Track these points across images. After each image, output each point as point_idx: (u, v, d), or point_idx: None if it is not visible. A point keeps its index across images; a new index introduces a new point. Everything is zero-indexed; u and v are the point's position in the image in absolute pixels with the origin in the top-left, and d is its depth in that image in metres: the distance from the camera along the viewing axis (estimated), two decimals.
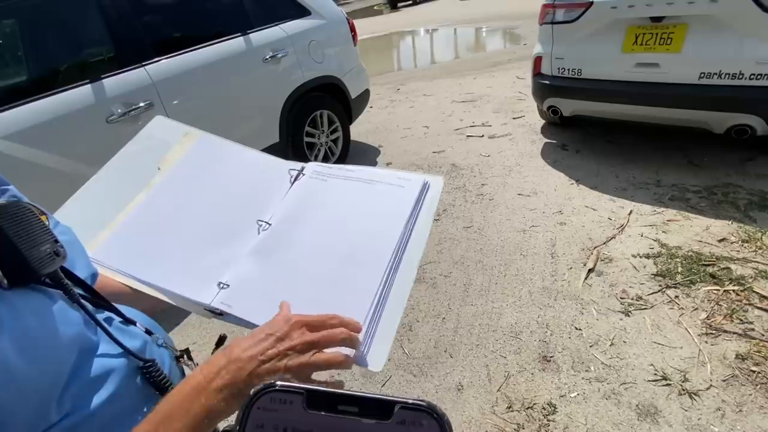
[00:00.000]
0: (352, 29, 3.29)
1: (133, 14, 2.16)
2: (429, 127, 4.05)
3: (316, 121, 3.11)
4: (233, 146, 0.76)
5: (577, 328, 1.67)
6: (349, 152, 3.50)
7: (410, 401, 0.29)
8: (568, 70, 2.69)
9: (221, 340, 0.52)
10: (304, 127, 2.97)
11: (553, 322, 1.71)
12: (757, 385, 1.36)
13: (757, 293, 1.66)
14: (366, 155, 3.64)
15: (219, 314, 0.56)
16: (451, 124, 4.03)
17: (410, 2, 20.11)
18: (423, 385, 1.56)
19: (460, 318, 1.82)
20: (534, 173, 2.88)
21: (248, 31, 2.60)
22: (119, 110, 1.99)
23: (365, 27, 13.88)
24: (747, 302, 1.64)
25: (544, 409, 1.39)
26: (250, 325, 0.55)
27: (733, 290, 1.69)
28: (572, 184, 2.67)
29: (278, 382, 0.31)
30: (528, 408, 1.40)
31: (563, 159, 3.00)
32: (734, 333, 1.53)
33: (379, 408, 0.29)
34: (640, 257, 1.96)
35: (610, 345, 1.58)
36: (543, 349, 1.61)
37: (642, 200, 2.38)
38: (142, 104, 2.05)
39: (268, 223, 0.64)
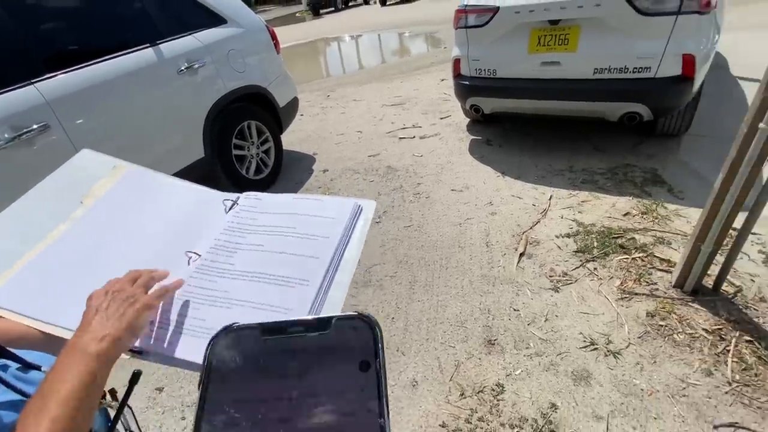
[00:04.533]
0: (274, 37, 3.22)
1: (18, 26, 1.91)
2: (362, 131, 4.09)
3: (244, 132, 2.99)
4: (165, 179, 0.75)
5: (515, 310, 1.79)
6: (283, 162, 3.42)
7: (343, 313, 0.37)
8: (485, 70, 2.88)
9: (135, 377, 0.50)
10: (232, 139, 2.84)
11: (494, 307, 1.82)
12: (665, 337, 1.56)
13: (658, 257, 1.91)
14: (301, 164, 3.57)
15: (139, 353, 0.52)
16: (383, 127, 4.11)
17: (332, 9, 20.21)
18: None
19: (409, 315, 1.86)
20: (464, 169, 3.04)
21: (158, 42, 2.42)
22: (5, 135, 1.74)
23: (289, 34, 13.65)
24: (650, 266, 1.88)
25: (493, 390, 1.47)
26: (177, 363, 0.52)
27: (639, 257, 1.93)
28: (499, 176, 2.86)
29: (234, 324, 0.37)
30: (479, 392, 1.47)
31: (489, 154, 3.20)
32: (643, 294, 1.74)
33: (320, 324, 0.36)
34: (562, 237, 2.15)
35: (545, 321, 1.71)
36: (487, 334, 1.70)
37: (559, 185, 2.62)
38: (35, 126, 1.82)
39: (197, 254, 0.63)
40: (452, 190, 2.80)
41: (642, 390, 1.40)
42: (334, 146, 3.84)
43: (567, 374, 1.49)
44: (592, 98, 2.52)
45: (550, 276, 1.93)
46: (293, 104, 3.44)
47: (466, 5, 2.88)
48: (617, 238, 2.07)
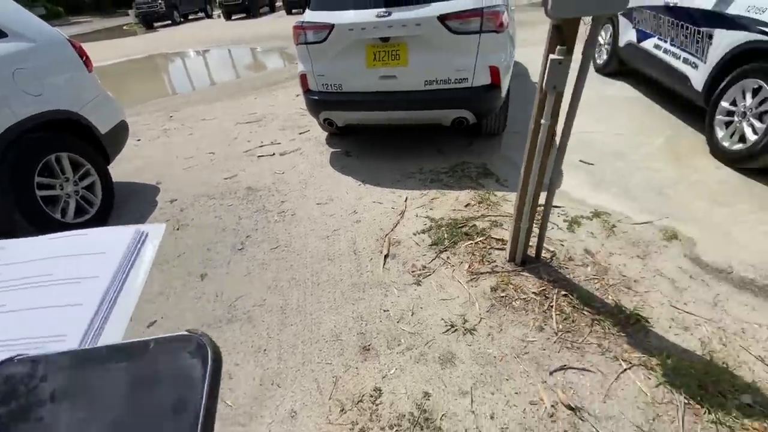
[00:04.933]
0: (82, 53, 2.73)
1: None
2: (215, 153, 3.78)
3: (53, 167, 2.44)
4: None
5: (385, 310, 1.85)
6: (118, 197, 2.91)
7: (166, 335, 0.30)
8: (331, 85, 2.96)
9: None
10: (33, 178, 2.29)
11: (366, 312, 1.85)
12: (506, 306, 1.81)
13: (494, 238, 2.22)
14: (142, 196, 3.10)
15: None
16: (239, 146, 3.86)
17: (169, 22, 18.36)
18: (255, 430, 1.42)
19: (282, 342, 1.76)
20: (327, 182, 3.05)
21: None
22: None
23: (116, 50, 11.88)
24: (490, 247, 2.17)
25: (371, 396, 1.48)
26: None
27: (480, 240, 2.21)
28: (360, 185, 2.96)
29: (17, 357, 0.32)
30: (358, 402, 1.47)
31: (349, 164, 3.29)
32: (487, 272, 2.00)
33: (130, 350, 0.30)
34: (419, 234, 2.33)
35: (412, 314, 1.82)
36: (362, 341, 1.72)
37: (412, 187, 2.84)
38: None
39: None
40: (317, 203, 2.78)
41: (495, 357, 1.59)
42: (183, 172, 3.45)
43: (435, 360, 1.60)
44: (426, 107, 2.81)
45: (412, 271, 2.06)
46: (120, 129, 2.97)
47: (303, 22, 2.92)
48: (462, 227, 2.34)
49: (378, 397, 1.48)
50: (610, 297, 1.80)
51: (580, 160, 2.94)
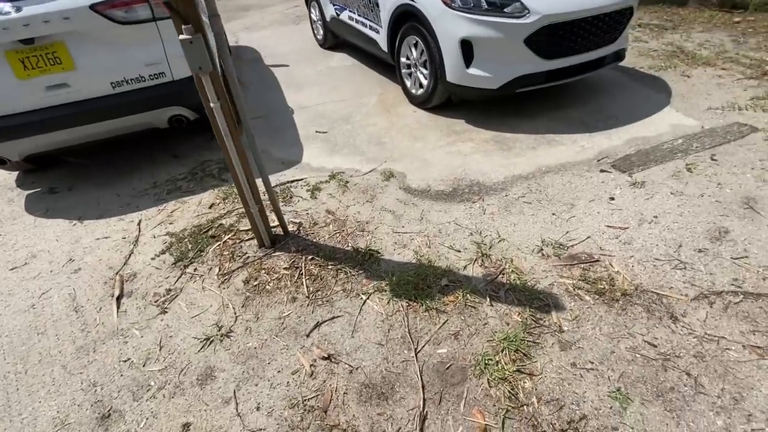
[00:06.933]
0: None
1: None
2: None
3: None
4: None
5: (125, 360, 1.56)
6: None
7: None
8: None
9: None
10: None
11: (100, 375, 1.52)
12: (260, 293, 1.79)
13: (243, 230, 2.16)
14: None
15: None
16: None
17: None
18: None
19: None
20: (23, 236, 2.33)
21: None
22: None
23: None
24: (239, 240, 2.09)
25: None
26: None
27: (229, 238, 2.11)
28: (75, 224, 2.38)
29: None
30: None
31: (56, 203, 2.59)
32: (239, 268, 1.93)
33: None
34: (159, 256, 2.05)
35: (160, 349, 1.60)
36: (99, 410, 1.41)
37: (146, 206, 2.46)
38: None
39: None
40: (11, 269, 2.10)
41: (255, 348, 1.56)
42: None
43: (193, 384, 1.46)
44: (125, 113, 2.41)
45: (156, 301, 1.80)
46: None
47: None
48: (208, 231, 2.17)
49: None
50: (349, 244, 2.01)
51: (316, 131, 3.14)
